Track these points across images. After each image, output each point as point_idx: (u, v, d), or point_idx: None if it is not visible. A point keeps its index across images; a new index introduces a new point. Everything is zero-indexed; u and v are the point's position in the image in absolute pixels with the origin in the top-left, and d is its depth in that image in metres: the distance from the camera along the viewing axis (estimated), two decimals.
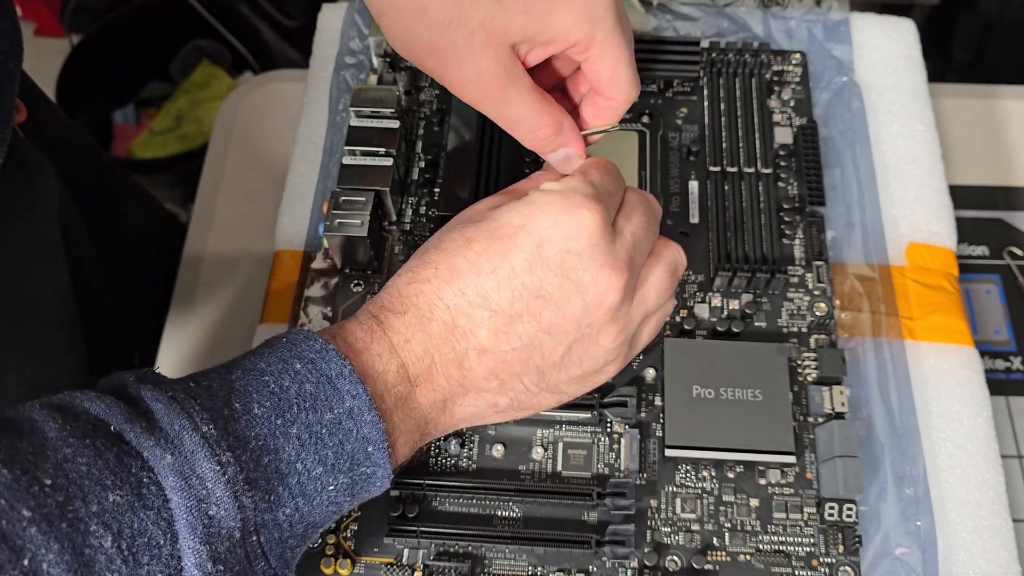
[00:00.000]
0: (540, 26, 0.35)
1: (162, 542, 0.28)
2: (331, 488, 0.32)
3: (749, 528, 0.42)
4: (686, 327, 0.46)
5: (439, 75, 0.36)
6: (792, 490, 0.42)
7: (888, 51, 0.56)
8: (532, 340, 0.35)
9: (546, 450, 0.44)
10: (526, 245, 0.35)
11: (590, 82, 0.38)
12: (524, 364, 0.36)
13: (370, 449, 0.33)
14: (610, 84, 0.38)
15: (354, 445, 0.32)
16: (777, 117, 0.52)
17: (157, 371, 0.33)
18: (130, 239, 0.69)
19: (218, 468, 0.29)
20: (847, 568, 0.41)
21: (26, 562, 0.25)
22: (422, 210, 0.50)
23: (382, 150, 0.47)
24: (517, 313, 0.35)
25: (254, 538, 0.30)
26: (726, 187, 0.49)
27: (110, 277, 0.62)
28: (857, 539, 0.41)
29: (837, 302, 0.47)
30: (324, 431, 0.32)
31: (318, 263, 0.49)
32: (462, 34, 0.34)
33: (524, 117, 0.37)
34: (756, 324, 0.47)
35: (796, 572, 0.41)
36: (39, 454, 0.27)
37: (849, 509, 0.42)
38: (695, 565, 0.41)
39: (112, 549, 0.27)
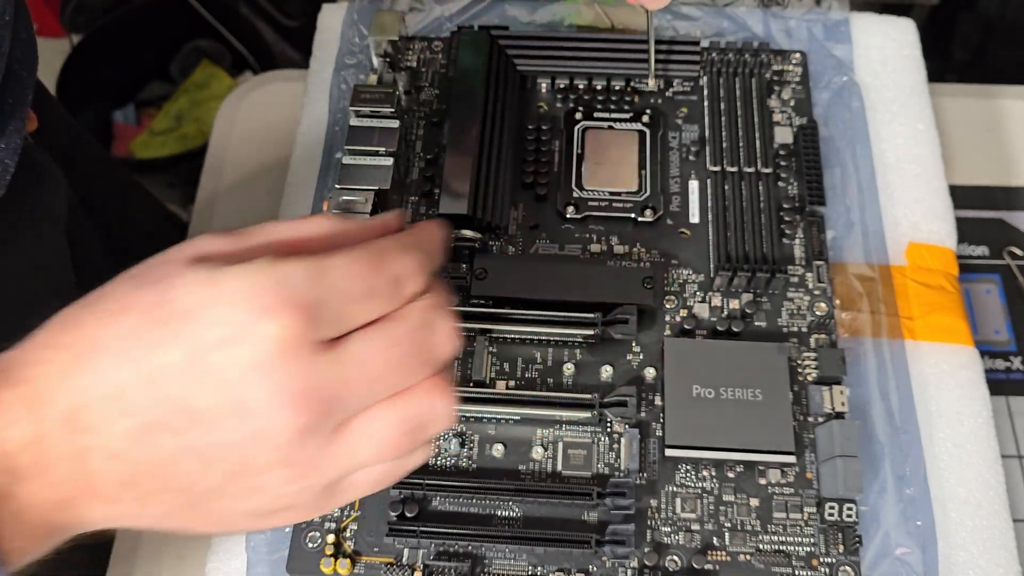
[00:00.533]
0: None
1: None
2: None
3: (749, 528, 0.42)
4: (686, 327, 0.46)
5: None
6: (792, 490, 0.43)
7: (888, 51, 0.56)
8: (173, 458, 0.28)
9: (546, 450, 0.44)
10: (187, 341, 0.27)
11: None
12: (165, 483, 0.28)
13: None
14: None
15: None
16: (777, 117, 0.52)
17: None
18: (137, 240, 0.69)
19: None
20: (847, 568, 0.41)
21: None
22: (422, 210, 0.50)
23: (382, 150, 0.47)
24: (156, 421, 0.27)
25: None
26: (726, 187, 0.49)
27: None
28: (857, 539, 0.41)
29: (837, 302, 0.47)
30: None
31: None
32: None
33: None
34: (756, 324, 0.47)
35: (796, 572, 0.41)
36: None
37: (849, 509, 0.42)
38: (695, 565, 0.41)
39: None
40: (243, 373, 0.27)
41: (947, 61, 0.97)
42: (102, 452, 0.27)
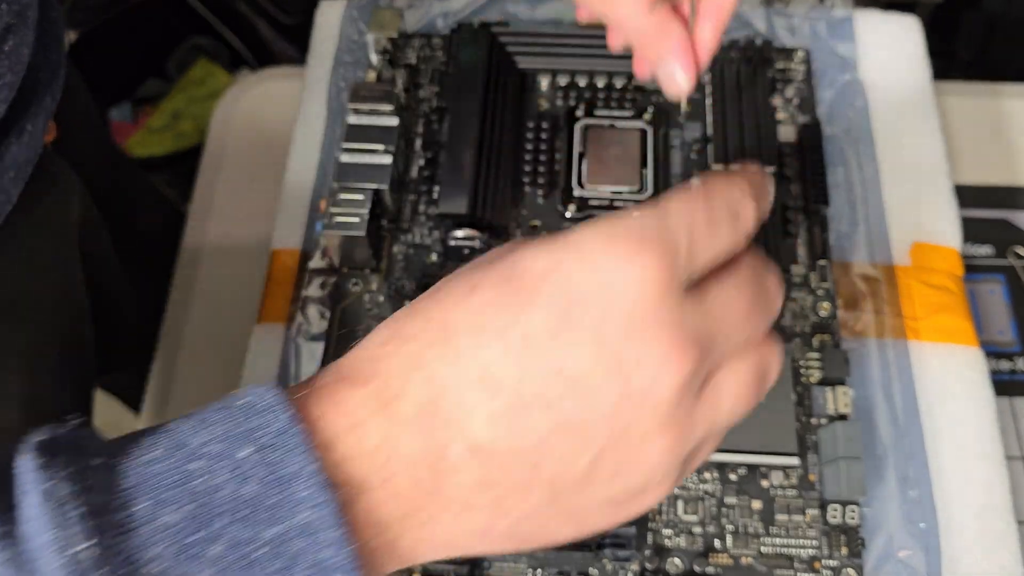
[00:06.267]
0: None
1: None
2: None
3: (751, 530, 0.41)
4: None
5: None
6: (795, 492, 0.42)
7: (892, 48, 0.55)
8: (545, 440, 0.25)
9: None
10: (550, 301, 0.25)
11: None
12: (532, 473, 0.25)
13: None
14: None
15: (306, 572, 0.23)
16: (780, 115, 0.52)
17: (85, 427, 0.25)
18: (146, 238, 0.68)
19: None
20: (850, 571, 0.41)
21: None
22: (421, 208, 0.50)
23: (380, 147, 0.47)
24: (527, 398, 0.25)
25: None
26: None
27: (128, 278, 0.62)
28: (860, 541, 0.41)
29: (840, 302, 0.47)
30: (260, 553, 0.23)
31: (316, 262, 0.49)
32: None
33: (627, 17, 0.35)
34: None
35: (798, 575, 0.41)
36: None
37: (852, 511, 0.41)
38: (697, 568, 0.41)
39: None
40: (615, 327, 0.24)
41: (951, 59, 0.97)
42: (461, 446, 0.24)
